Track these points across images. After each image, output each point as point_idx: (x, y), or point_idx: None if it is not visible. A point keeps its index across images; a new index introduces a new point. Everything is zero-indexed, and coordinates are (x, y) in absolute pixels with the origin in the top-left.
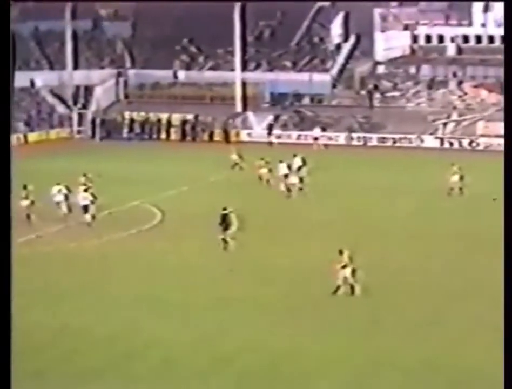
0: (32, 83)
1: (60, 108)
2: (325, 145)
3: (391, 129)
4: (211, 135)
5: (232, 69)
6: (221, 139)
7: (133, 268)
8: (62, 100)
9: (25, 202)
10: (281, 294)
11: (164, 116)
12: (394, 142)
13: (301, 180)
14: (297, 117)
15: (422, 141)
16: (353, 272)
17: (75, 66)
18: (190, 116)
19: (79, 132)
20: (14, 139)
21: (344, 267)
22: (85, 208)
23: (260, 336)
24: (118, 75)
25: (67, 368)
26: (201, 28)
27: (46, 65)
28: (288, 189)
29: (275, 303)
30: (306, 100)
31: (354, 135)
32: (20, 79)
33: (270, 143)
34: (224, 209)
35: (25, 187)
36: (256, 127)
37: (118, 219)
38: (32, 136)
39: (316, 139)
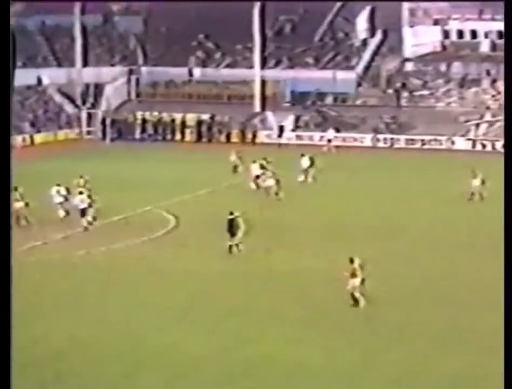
0: (39, 81)
1: (69, 108)
2: (336, 147)
3: (420, 131)
4: (228, 137)
5: (251, 67)
6: (239, 140)
7: (145, 276)
8: (71, 99)
9: (18, 205)
10: (296, 304)
11: (178, 116)
12: (423, 144)
13: (306, 178)
14: (319, 117)
15: (452, 143)
16: (362, 282)
17: (85, 63)
18: (206, 117)
19: (88, 132)
20: (20, 140)
21: (353, 276)
22: (82, 212)
23: (275, 347)
24: (130, 73)
25: (73, 382)
26: (218, 23)
27: (53, 62)
28: (258, 186)
29: (290, 313)
30: (329, 100)
31: (380, 136)
32: (26, 76)
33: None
34: (231, 213)
35: (15, 189)
36: (276, 127)
37: (129, 225)
38: (39, 138)
39: (329, 140)
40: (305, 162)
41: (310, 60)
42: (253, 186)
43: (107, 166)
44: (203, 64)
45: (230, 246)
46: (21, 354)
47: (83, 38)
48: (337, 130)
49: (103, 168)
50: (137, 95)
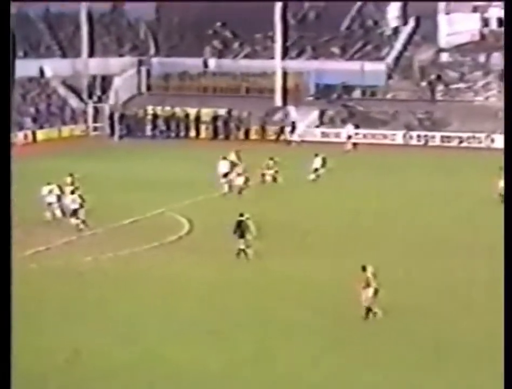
0: (42, 72)
1: (74, 102)
2: (354, 144)
3: (456, 127)
4: (246, 133)
5: (272, 57)
6: (258, 137)
7: (156, 285)
8: (76, 92)
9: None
10: (312, 316)
11: (192, 111)
12: (460, 142)
13: (317, 177)
14: (345, 112)
15: (492, 141)
16: (375, 292)
17: (91, 53)
18: (222, 111)
19: (95, 129)
20: (21, 136)
21: (366, 286)
22: (74, 213)
23: (294, 364)
24: (140, 64)
25: None
26: (235, 10)
27: (57, 52)
28: (229, 187)
29: (302, 325)
30: (357, 93)
31: (413, 133)
32: (28, 67)
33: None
34: (241, 215)
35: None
36: (299, 123)
37: (139, 229)
38: (41, 134)
39: (349, 137)
40: (317, 162)
41: (336, 50)
42: (225, 187)
43: (115, 165)
44: (220, 55)
45: (239, 250)
46: (22, 368)
47: (89, 26)
48: (357, 126)
49: (111, 168)
50: (148, 88)
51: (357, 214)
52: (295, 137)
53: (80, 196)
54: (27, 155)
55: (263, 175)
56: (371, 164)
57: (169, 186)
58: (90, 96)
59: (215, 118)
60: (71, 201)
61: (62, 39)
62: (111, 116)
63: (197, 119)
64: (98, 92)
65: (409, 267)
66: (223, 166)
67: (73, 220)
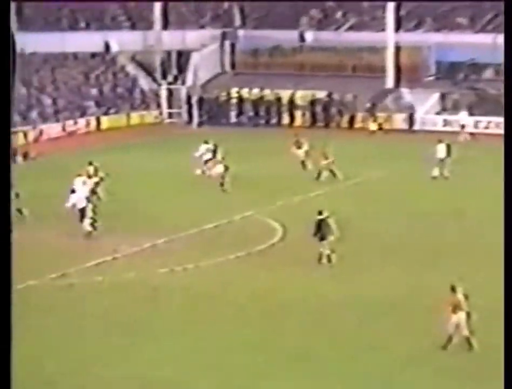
0: (107, 47)
1: (144, 82)
2: (471, 134)
3: None
4: (351, 120)
5: (382, 29)
6: (365, 126)
7: (244, 303)
8: (147, 71)
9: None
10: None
11: (286, 93)
12: None
13: (441, 172)
14: (474, 96)
15: None
16: (468, 316)
17: (165, 25)
18: (322, 94)
19: (169, 115)
20: (82, 123)
21: (456, 309)
22: (81, 212)
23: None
24: (223, 38)
25: None
26: None
27: (125, 23)
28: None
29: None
30: (488, 73)
31: None
32: (91, 41)
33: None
34: (320, 213)
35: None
36: (417, 109)
37: (223, 235)
38: (107, 121)
39: (463, 126)
40: (441, 151)
41: (463, 20)
42: (198, 171)
43: (194, 158)
44: (319, 26)
45: (320, 254)
46: None
47: None
48: (471, 113)
49: (189, 161)
50: (233, 66)
51: (466, 219)
52: (416, 125)
53: (93, 191)
54: (89, 145)
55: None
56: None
57: (258, 185)
58: (164, 76)
59: (312, 102)
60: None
61: (131, 7)
62: (188, 100)
63: (292, 103)
64: (173, 71)
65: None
66: (203, 151)
67: (83, 223)
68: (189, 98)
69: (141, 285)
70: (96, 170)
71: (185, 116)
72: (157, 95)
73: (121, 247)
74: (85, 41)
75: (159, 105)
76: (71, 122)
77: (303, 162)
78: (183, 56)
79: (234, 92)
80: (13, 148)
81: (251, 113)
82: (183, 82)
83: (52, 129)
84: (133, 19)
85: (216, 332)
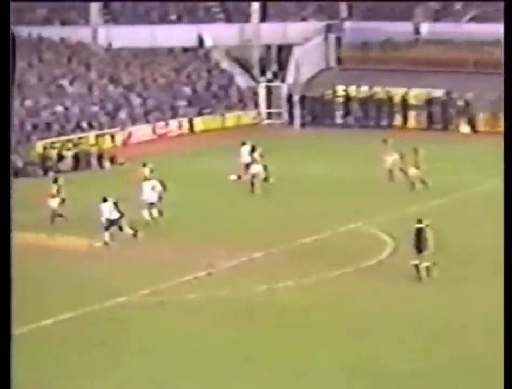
0: (200, 41)
1: (241, 80)
2: None
3: None
4: (472, 123)
5: None
6: (490, 129)
7: (345, 327)
8: (244, 67)
9: (54, 202)
10: None
11: (399, 91)
12: None
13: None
14: None
15: None
16: None
17: (264, 17)
18: (439, 93)
19: (269, 115)
20: (174, 125)
21: None
22: (110, 225)
23: None
24: (328, 30)
25: None
26: None
27: (220, 15)
28: (251, 184)
29: None
30: None
31: None
32: (183, 34)
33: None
34: (420, 222)
35: (55, 180)
36: None
37: (327, 249)
38: (200, 122)
39: None
40: None
41: None
42: (233, 177)
43: (295, 163)
44: (436, 17)
45: (417, 267)
46: None
47: None
48: None
49: (290, 166)
50: (339, 61)
51: None
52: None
53: (115, 204)
54: (181, 149)
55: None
56: None
57: (368, 193)
58: (262, 72)
59: (429, 102)
60: (108, 210)
61: None
62: (290, 99)
63: (405, 102)
64: (273, 67)
65: None
66: (244, 154)
67: (107, 233)
68: (290, 97)
69: (237, 304)
70: (152, 171)
71: (286, 117)
72: (255, 93)
73: (215, 261)
74: (177, 35)
75: (256, 105)
76: (161, 123)
77: (390, 171)
78: (283, 51)
79: (340, 89)
80: (99, 152)
81: (359, 113)
82: (284, 80)
83: (142, 131)
84: (229, 10)
85: (320, 357)
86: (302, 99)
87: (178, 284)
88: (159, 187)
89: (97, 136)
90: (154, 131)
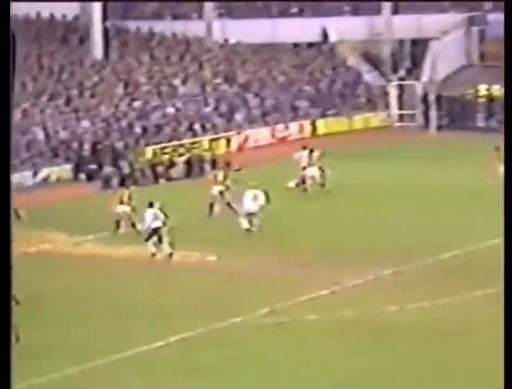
0: (325, 35)
1: (371, 77)
2: None
3: None
4: None
5: None
6: None
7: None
8: (374, 64)
9: (123, 209)
10: None
11: None
12: None
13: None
14: None
15: None
16: None
17: (396, 9)
18: None
19: (401, 117)
20: (295, 128)
21: None
22: (152, 234)
23: None
24: (470, 23)
25: None
26: None
27: (346, 7)
28: (304, 187)
29: None
30: None
31: None
32: (306, 28)
33: None
34: None
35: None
36: None
37: (463, 267)
38: (324, 125)
39: None
40: None
41: None
42: (291, 184)
43: (432, 172)
44: None
45: None
46: None
47: None
48: None
49: (425, 174)
50: (482, 57)
51: None
52: None
53: (161, 209)
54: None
55: None
56: None
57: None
58: (395, 70)
59: None
60: (151, 217)
61: None
62: (425, 99)
63: None
64: (406, 64)
65: None
66: (303, 158)
67: (150, 244)
68: (425, 97)
69: (364, 325)
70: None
71: (420, 118)
72: (385, 93)
73: (340, 279)
74: (299, 29)
75: (387, 105)
76: (281, 126)
77: None
78: (418, 46)
79: (482, 89)
80: (213, 158)
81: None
82: (418, 78)
83: (259, 134)
84: (356, 2)
85: (459, 386)
86: (439, 99)
87: (298, 303)
88: (261, 199)
89: (211, 140)
90: (272, 135)
